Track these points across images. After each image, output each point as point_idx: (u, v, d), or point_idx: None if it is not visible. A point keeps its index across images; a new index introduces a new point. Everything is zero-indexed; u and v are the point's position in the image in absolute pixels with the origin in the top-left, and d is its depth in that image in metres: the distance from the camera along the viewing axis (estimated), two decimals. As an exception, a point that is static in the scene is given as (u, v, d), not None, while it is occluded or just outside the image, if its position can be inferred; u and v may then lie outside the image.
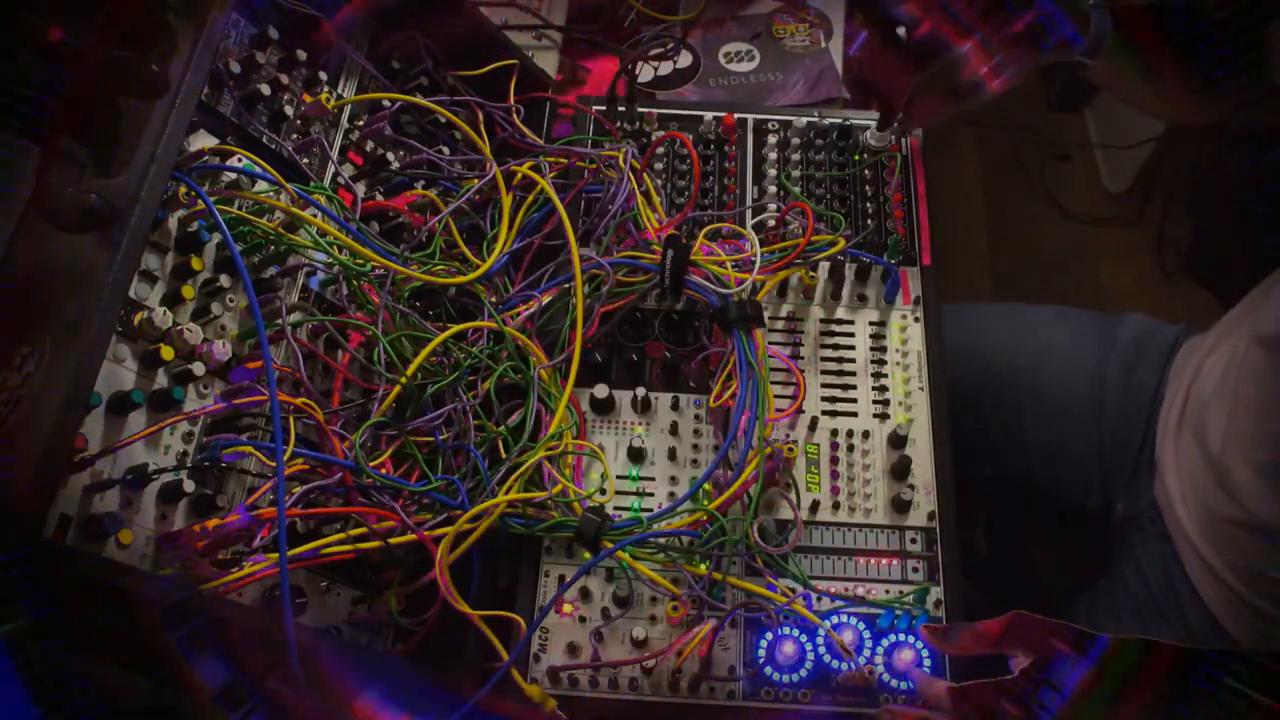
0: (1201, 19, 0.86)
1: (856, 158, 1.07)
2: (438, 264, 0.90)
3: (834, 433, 0.93)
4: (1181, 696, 0.62)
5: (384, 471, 0.81)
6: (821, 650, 0.82)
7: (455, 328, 0.87)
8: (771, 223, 1.00)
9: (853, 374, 0.96)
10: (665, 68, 1.29)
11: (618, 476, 0.91)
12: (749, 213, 1.04)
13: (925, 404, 0.94)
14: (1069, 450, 1.12)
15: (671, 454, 0.92)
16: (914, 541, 0.89)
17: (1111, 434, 1.10)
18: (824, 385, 0.95)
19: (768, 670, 0.82)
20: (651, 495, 0.90)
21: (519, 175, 0.96)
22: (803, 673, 0.82)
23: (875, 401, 0.95)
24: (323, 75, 0.91)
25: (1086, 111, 2.33)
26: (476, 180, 0.95)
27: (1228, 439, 0.92)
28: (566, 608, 0.85)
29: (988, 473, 1.18)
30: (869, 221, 1.04)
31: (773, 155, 1.08)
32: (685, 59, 1.30)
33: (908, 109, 0.94)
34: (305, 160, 0.87)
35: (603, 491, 0.88)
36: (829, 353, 0.97)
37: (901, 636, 0.83)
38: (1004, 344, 1.17)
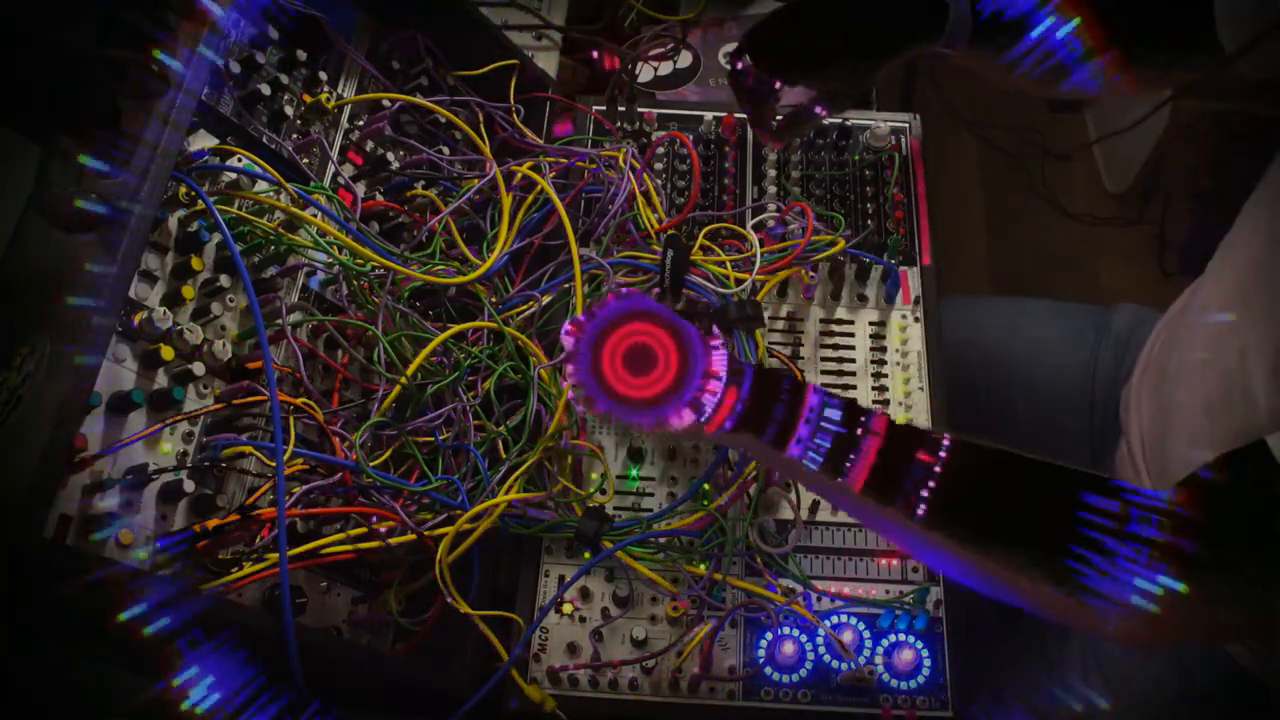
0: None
1: (856, 158, 1.08)
2: (438, 264, 0.90)
3: (834, 433, 0.93)
4: None
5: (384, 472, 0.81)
6: (821, 650, 0.83)
7: (455, 328, 0.87)
8: (771, 223, 1.00)
9: (853, 374, 0.96)
10: (665, 68, 1.29)
11: (618, 476, 0.91)
12: (749, 213, 1.04)
13: (925, 404, 0.94)
14: (1063, 441, 1.12)
15: (671, 454, 0.92)
16: (914, 541, 0.89)
17: (1102, 423, 1.10)
18: (824, 385, 0.95)
19: (767, 670, 0.82)
20: (651, 495, 0.90)
21: (519, 175, 0.96)
22: (802, 673, 0.82)
23: (875, 401, 0.95)
24: (323, 75, 0.91)
25: (1086, 111, 2.33)
26: (476, 180, 0.95)
27: (1179, 382, 0.90)
28: (566, 608, 0.85)
29: None
30: (869, 221, 1.04)
31: (772, 155, 1.08)
32: (685, 59, 1.30)
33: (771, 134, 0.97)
34: (305, 160, 0.87)
35: (603, 491, 0.88)
36: (829, 353, 0.97)
37: (901, 636, 0.83)
38: (1001, 336, 1.17)
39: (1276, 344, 0.71)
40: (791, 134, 1.00)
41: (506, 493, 0.83)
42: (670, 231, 0.95)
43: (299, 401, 0.77)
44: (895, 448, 0.62)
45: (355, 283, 0.86)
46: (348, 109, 0.94)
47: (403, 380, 0.83)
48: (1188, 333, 0.89)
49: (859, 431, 0.62)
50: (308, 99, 0.88)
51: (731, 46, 1.32)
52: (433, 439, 0.85)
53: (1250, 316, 0.77)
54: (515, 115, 1.03)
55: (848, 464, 0.62)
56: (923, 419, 0.94)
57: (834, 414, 0.63)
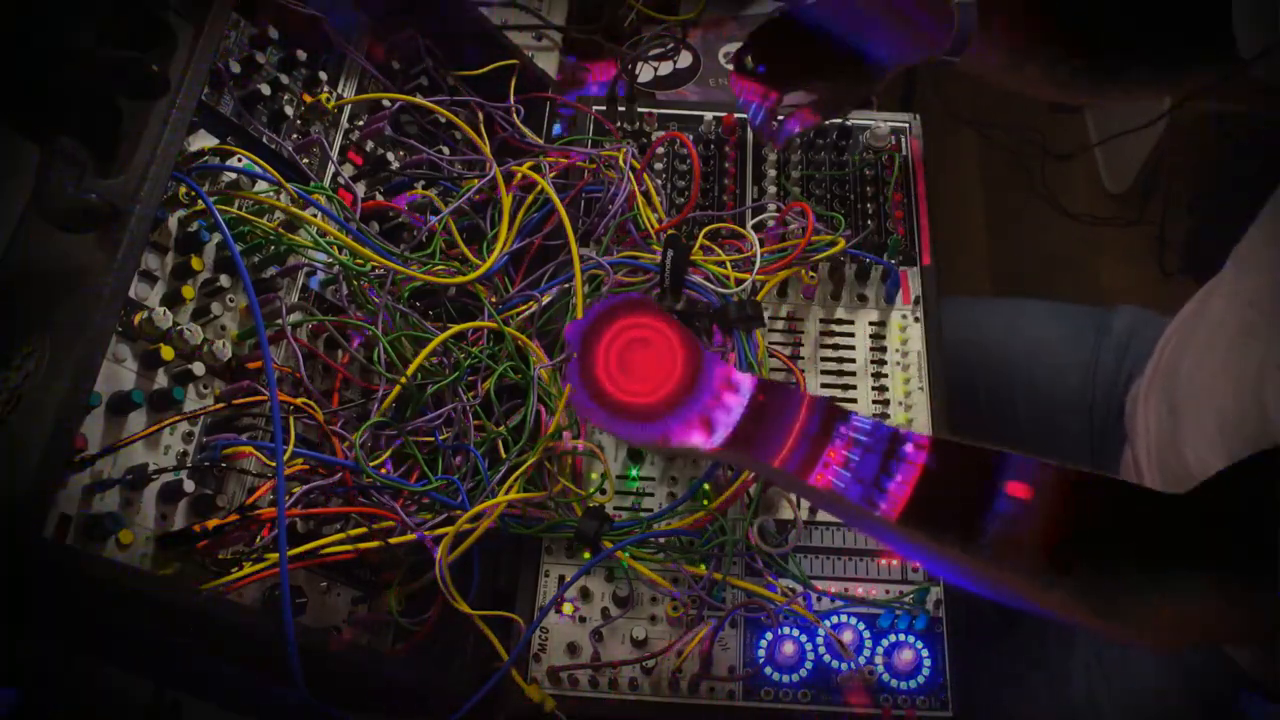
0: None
1: (856, 158, 1.07)
2: (438, 264, 0.90)
3: (834, 433, 0.93)
4: None
5: (384, 472, 0.81)
6: (821, 650, 0.82)
7: (455, 328, 0.87)
8: (771, 223, 1.00)
9: (853, 374, 0.96)
10: (665, 68, 1.29)
11: (618, 476, 0.91)
12: (749, 213, 1.04)
13: (925, 404, 0.94)
14: (1063, 442, 1.12)
15: (671, 454, 0.92)
16: (914, 541, 0.88)
17: (1102, 424, 1.10)
18: (824, 385, 0.95)
19: (767, 670, 0.82)
20: (651, 495, 0.90)
21: (519, 175, 0.96)
22: (802, 673, 0.82)
23: (875, 402, 0.95)
24: (323, 75, 0.91)
25: (1086, 111, 2.33)
26: (476, 180, 0.95)
27: (1192, 388, 0.90)
28: (566, 608, 0.85)
29: None
30: (869, 221, 1.04)
31: (772, 155, 1.08)
32: (685, 59, 1.31)
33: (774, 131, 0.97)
34: (305, 160, 0.87)
35: (603, 491, 0.88)
36: (829, 353, 0.97)
37: (901, 636, 0.83)
38: (1001, 336, 1.17)
39: None
40: (792, 133, 1.00)
41: (506, 493, 0.83)
42: (670, 231, 0.95)
43: (299, 401, 0.77)
44: (951, 472, 0.53)
45: (355, 283, 0.86)
46: (348, 109, 0.94)
47: (403, 380, 0.83)
48: (1203, 338, 0.89)
49: (901, 456, 0.53)
50: (308, 99, 0.88)
51: (732, 47, 1.33)
52: (433, 439, 0.85)
53: (1270, 328, 0.76)
54: (515, 115, 1.03)
55: (887, 490, 0.53)
56: (923, 419, 0.94)
57: (864, 437, 0.54)
